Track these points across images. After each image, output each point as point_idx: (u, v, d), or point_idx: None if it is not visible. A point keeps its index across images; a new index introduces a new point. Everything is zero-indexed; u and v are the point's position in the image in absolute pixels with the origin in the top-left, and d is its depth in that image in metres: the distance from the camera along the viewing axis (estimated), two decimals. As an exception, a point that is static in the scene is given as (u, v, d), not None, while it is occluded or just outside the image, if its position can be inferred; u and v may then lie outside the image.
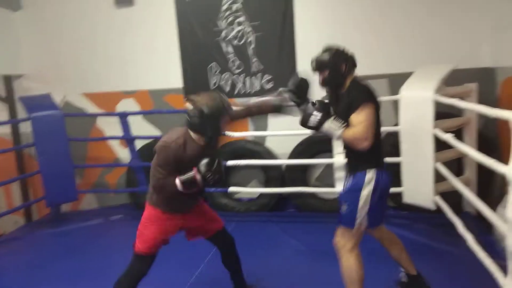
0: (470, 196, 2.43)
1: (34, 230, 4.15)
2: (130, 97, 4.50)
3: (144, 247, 2.14)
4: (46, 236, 3.96)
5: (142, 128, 4.42)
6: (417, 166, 3.10)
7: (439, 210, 2.97)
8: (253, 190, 4.21)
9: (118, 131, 4.21)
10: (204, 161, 1.97)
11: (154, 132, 4.45)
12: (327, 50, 2.14)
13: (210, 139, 2.03)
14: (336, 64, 2.06)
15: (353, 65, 2.10)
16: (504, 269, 1.82)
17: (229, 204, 4.15)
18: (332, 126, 2.01)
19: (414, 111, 3.04)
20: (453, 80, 3.29)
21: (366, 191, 2.00)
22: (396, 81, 3.46)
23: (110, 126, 4.49)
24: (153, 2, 4.29)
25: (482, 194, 2.89)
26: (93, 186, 4.72)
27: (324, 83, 2.14)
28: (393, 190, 3.28)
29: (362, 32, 3.83)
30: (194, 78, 4.31)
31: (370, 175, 2.02)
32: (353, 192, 2.04)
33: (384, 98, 3.26)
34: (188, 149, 2.03)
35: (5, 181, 4.13)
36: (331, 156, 3.67)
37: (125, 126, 4.17)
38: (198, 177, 1.96)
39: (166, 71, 4.36)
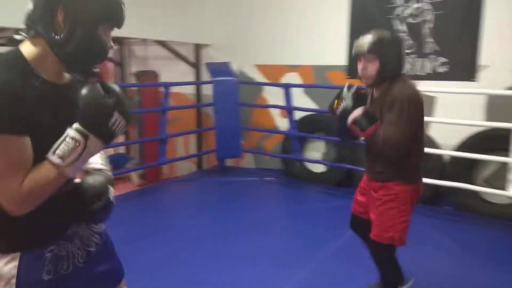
0: None
1: (203, 177, 4.95)
2: (295, 71, 4.79)
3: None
4: (213, 183, 4.66)
5: (302, 101, 4.68)
6: None
7: None
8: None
9: (281, 101, 4.61)
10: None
11: (312, 105, 4.66)
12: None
13: None
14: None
15: None
16: None
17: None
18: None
19: None
20: None
21: None
22: None
23: (273, 96, 4.89)
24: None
25: None
26: (253, 147, 5.26)
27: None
28: None
29: None
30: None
31: None
32: None
33: None
34: None
35: (185, 131, 5.19)
36: (506, 155, 3.24)
37: (287, 97, 4.51)
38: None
39: (333, 48, 4.45)
